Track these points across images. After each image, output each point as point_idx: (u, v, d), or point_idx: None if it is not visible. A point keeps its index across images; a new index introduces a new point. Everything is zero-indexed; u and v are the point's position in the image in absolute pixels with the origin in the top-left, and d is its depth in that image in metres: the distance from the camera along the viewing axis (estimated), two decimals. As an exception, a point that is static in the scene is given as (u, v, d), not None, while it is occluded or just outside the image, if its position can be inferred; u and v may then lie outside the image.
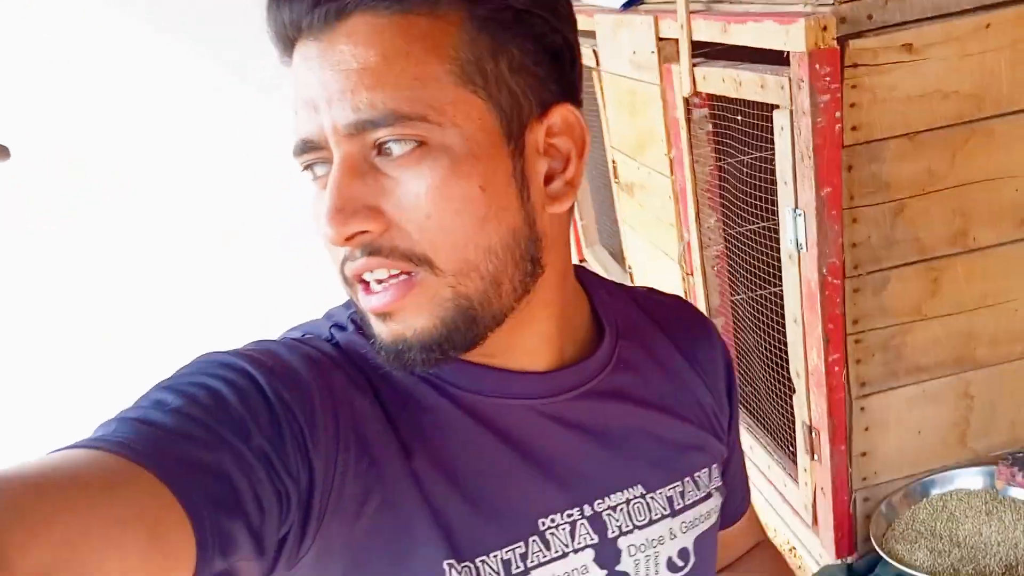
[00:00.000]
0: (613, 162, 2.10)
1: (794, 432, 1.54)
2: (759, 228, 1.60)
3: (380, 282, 0.59)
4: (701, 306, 1.78)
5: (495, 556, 0.63)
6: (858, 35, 1.18)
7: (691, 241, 1.75)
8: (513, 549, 0.64)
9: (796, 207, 1.29)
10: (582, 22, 2.13)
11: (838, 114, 1.20)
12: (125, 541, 0.44)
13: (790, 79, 1.22)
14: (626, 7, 1.80)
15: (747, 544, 0.95)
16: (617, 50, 1.87)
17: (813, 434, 1.44)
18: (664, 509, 0.71)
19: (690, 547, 0.73)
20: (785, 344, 1.49)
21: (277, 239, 2.61)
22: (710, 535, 0.76)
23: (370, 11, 0.56)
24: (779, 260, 1.46)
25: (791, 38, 1.19)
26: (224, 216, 2.58)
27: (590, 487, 0.69)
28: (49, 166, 2.43)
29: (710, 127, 1.63)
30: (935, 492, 1.45)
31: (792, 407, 1.52)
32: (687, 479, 0.74)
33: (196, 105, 2.43)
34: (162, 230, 2.58)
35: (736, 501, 0.89)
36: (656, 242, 1.95)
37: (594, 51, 2.03)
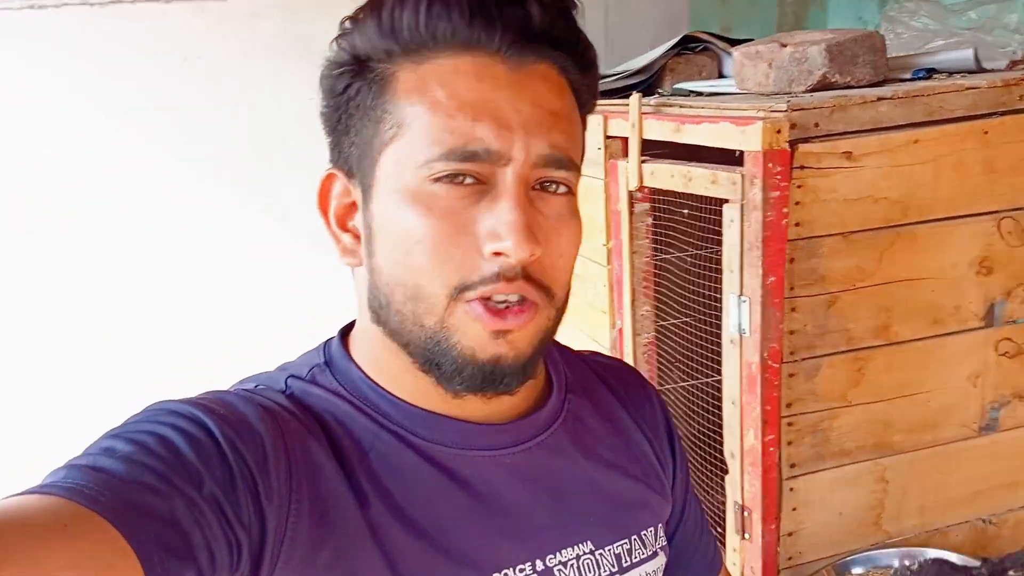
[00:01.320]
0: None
1: (721, 514, 1.60)
2: (692, 320, 1.70)
3: (507, 304, 0.62)
4: (630, 391, 1.85)
5: None
6: (806, 140, 1.31)
7: (623, 328, 1.83)
8: None
9: (741, 294, 1.38)
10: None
11: (785, 209, 1.31)
12: None
13: (743, 176, 1.33)
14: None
15: None
16: (557, 145, 1.98)
17: (745, 514, 1.50)
18: (612, 566, 0.73)
19: None
20: (714, 431, 1.57)
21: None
22: None
23: (556, 68, 0.65)
24: (711, 351, 1.55)
25: (747, 138, 1.30)
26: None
27: (543, 541, 0.70)
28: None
29: (650, 220, 1.73)
30: (854, 572, 1.53)
31: (722, 490, 1.58)
32: (634, 537, 0.76)
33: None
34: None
35: (707, 557, 0.91)
36: (587, 331, 2.02)
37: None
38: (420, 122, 0.61)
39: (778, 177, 1.29)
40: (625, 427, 0.81)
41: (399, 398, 0.68)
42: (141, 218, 2.44)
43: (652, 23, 2.55)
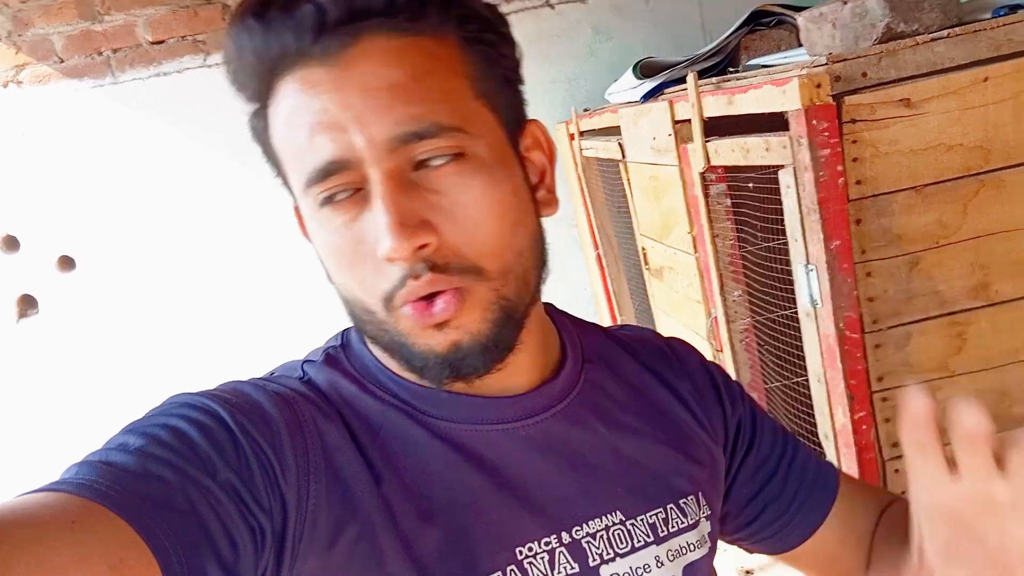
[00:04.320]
0: (643, 249, 2.14)
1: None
2: (789, 313, 1.61)
3: (434, 295, 0.60)
4: (733, 383, 1.77)
5: None
6: (854, 92, 1.22)
7: (718, 316, 1.76)
8: None
9: (808, 262, 1.30)
10: (608, 119, 2.22)
11: (840, 168, 1.23)
12: None
13: (791, 137, 1.26)
14: (646, 98, 1.88)
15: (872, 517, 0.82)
16: (639, 139, 1.94)
17: (847, 500, 1.40)
18: (647, 536, 0.69)
19: None
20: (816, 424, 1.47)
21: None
22: (702, 565, 0.73)
23: (382, 35, 0.58)
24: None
25: (787, 98, 1.23)
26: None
27: (567, 513, 0.67)
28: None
29: (729, 202, 1.66)
30: (981, 560, 1.38)
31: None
32: (670, 506, 0.72)
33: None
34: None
35: (815, 492, 0.81)
36: (687, 322, 1.96)
37: (620, 144, 2.11)
38: (286, 155, 0.62)
39: (826, 134, 1.21)
40: (652, 393, 0.77)
41: (406, 379, 0.67)
42: (259, 252, 2.59)
43: (750, 8, 2.47)
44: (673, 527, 0.71)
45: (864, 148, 1.24)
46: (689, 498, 0.73)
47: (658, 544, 0.69)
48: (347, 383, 0.67)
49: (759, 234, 1.59)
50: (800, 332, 1.53)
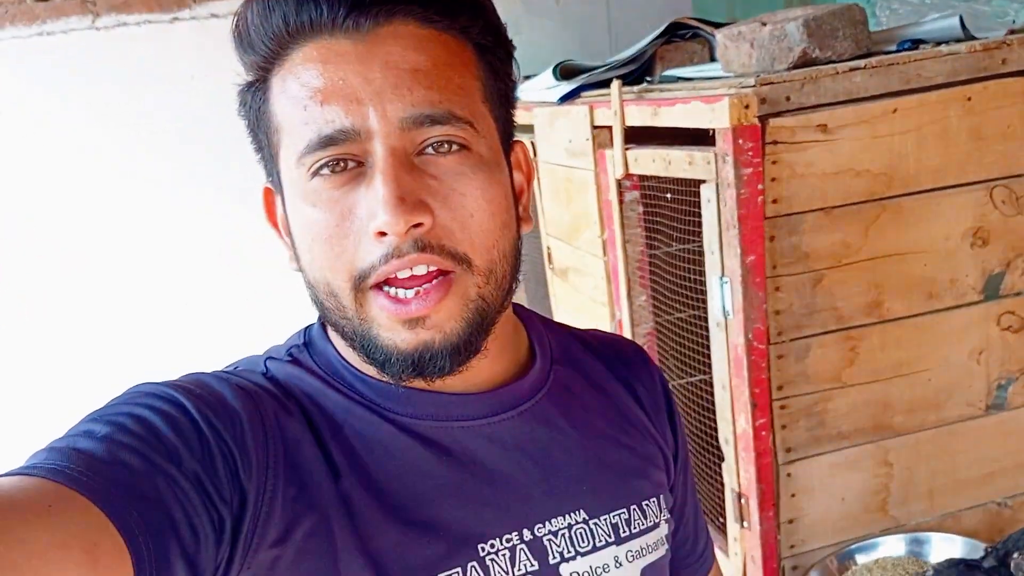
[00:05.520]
0: (548, 248, 2.18)
1: (723, 503, 1.57)
2: (689, 316, 1.67)
3: (414, 286, 0.60)
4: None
5: None
6: (777, 115, 1.28)
7: (622, 319, 1.81)
8: (449, 575, 0.63)
9: (722, 275, 1.36)
10: (521, 117, 2.23)
11: (760, 186, 1.29)
12: (65, 564, 0.45)
13: (716, 154, 1.31)
14: (563, 100, 1.90)
15: None
16: (554, 140, 1.97)
17: (742, 501, 1.47)
18: (609, 536, 0.71)
19: None
20: (713, 425, 1.54)
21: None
22: (660, 566, 0.76)
23: (413, 21, 0.61)
24: (707, 344, 1.52)
25: (716, 116, 1.28)
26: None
27: (530, 511, 0.68)
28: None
29: (641, 209, 1.71)
30: (861, 560, 1.48)
31: (721, 478, 1.55)
32: (633, 507, 0.74)
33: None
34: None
35: (698, 549, 0.90)
36: (590, 324, 2.00)
37: (532, 143, 2.13)
38: (288, 122, 0.62)
39: (750, 153, 1.27)
40: (619, 399, 0.79)
41: (371, 376, 0.67)
42: (143, 226, 2.50)
43: (656, 15, 2.53)
44: (635, 528, 0.73)
45: (782, 169, 1.30)
46: (651, 500, 0.76)
47: (619, 544, 0.71)
48: (311, 379, 0.68)
49: (670, 241, 1.64)
50: (700, 333, 1.59)
